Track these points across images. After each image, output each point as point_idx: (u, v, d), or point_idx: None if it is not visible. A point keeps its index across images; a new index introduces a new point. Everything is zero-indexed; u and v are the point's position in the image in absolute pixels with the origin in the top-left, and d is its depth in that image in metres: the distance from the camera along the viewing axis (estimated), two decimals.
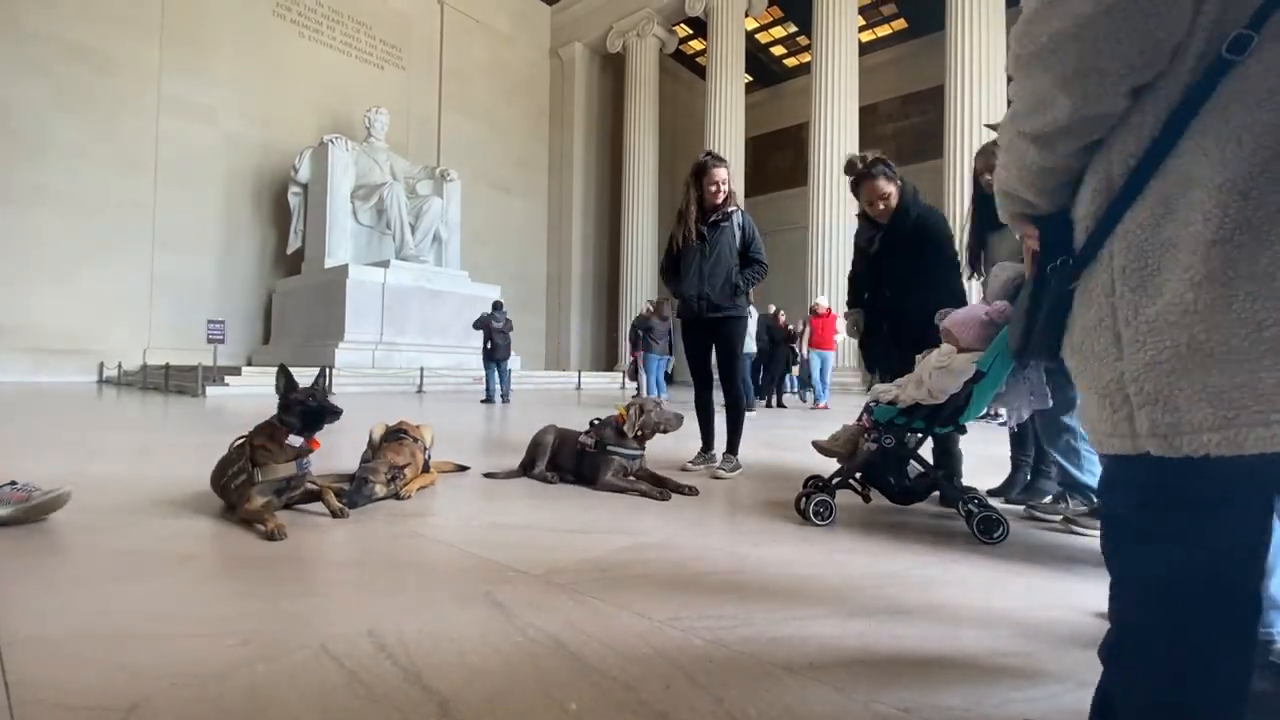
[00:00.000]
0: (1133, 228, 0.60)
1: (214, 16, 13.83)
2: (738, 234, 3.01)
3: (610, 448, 2.58)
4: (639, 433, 2.63)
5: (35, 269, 11.65)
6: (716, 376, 3.21)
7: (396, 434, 2.57)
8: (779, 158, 23.16)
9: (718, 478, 2.86)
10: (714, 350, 3.16)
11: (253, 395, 8.18)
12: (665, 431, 2.72)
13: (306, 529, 1.84)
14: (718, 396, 3.16)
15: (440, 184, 14.64)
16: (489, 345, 8.99)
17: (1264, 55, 0.53)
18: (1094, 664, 1.07)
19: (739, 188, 16.99)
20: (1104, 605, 1.34)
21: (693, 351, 3.19)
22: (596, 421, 2.70)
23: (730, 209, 3.04)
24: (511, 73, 19.98)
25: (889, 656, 1.09)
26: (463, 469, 2.87)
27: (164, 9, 13.16)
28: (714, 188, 2.99)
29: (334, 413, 2.07)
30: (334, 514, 1.95)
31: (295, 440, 1.99)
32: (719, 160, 3.04)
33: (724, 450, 3.05)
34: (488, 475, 2.78)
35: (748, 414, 7.36)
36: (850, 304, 2.88)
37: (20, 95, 11.46)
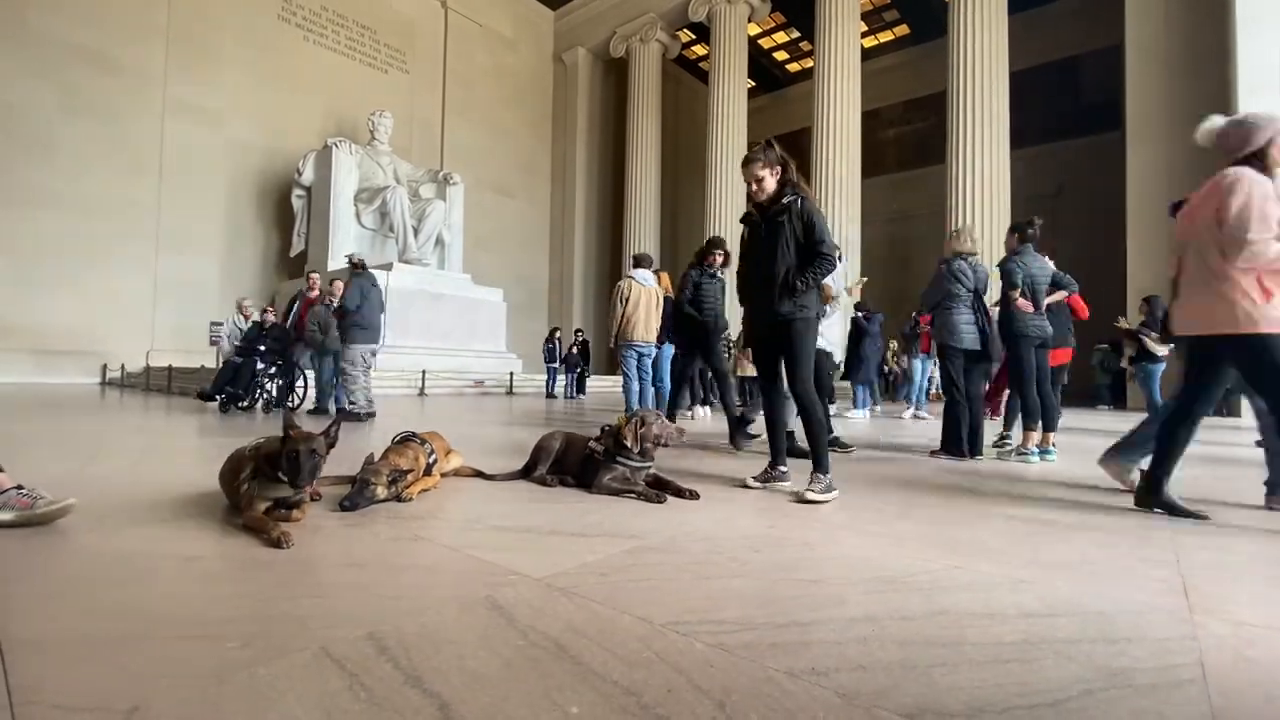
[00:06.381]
0: None
1: (219, 20, 13.92)
2: (797, 225, 2.69)
3: (619, 457, 2.56)
4: (641, 445, 2.57)
5: (40, 270, 11.71)
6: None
7: (403, 438, 2.57)
8: None
9: (805, 501, 2.50)
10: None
11: None
12: (665, 445, 2.63)
13: (307, 531, 1.83)
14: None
15: (443, 187, 14.70)
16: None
17: None
18: (1097, 672, 1.06)
19: (737, 195, 17.01)
20: (1104, 609, 1.34)
21: (759, 360, 2.97)
22: (607, 428, 2.69)
23: (786, 199, 2.72)
24: (515, 77, 20.06)
25: (892, 661, 1.08)
26: (479, 474, 2.84)
27: (170, 13, 13.24)
28: (752, 185, 2.76)
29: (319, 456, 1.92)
30: (274, 540, 1.68)
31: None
32: (753, 154, 2.76)
33: (812, 470, 2.66)
34: (489, 477, 2.78)
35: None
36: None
37: (26, 98, 11.53)
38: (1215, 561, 1.81)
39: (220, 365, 7.36)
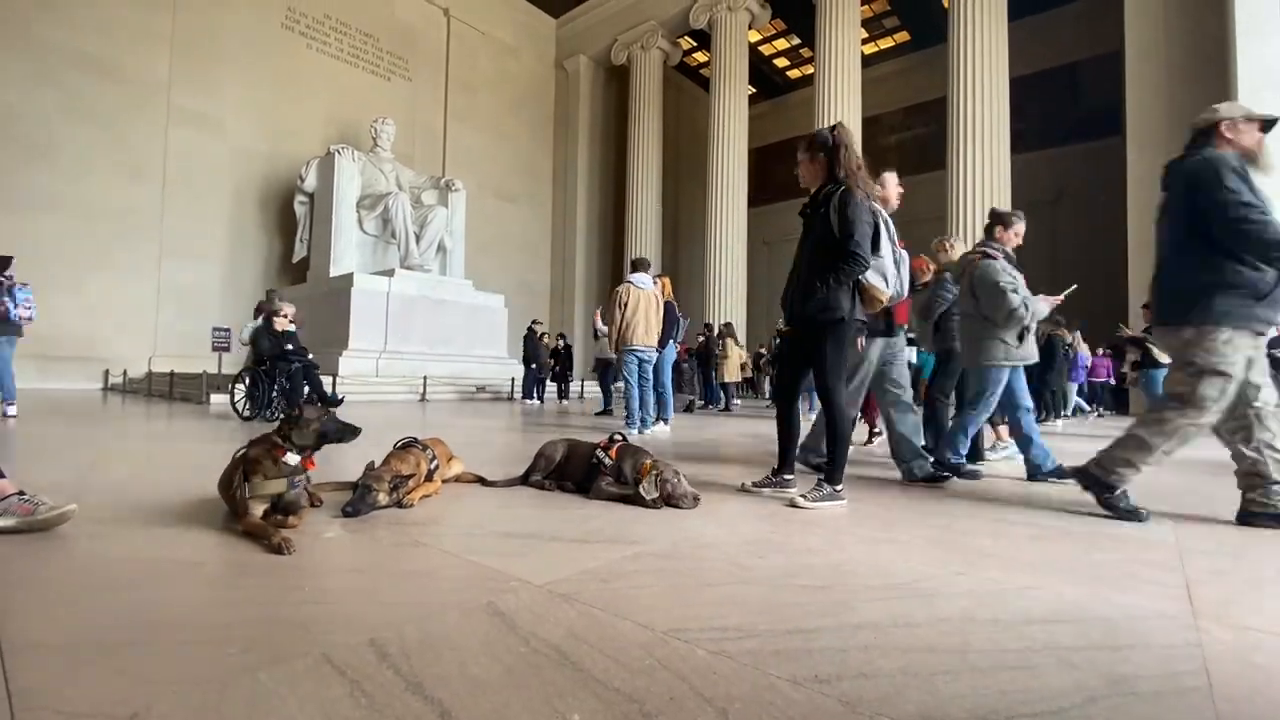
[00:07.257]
0: None
1: (224, 28, 14.02)
2: (834, 218, 2.48)
3: (624, 477, 2.52)
4: (655, 491, 2.40)
5: (43, 276, 11.70)
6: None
7: (405, 443, 2.57)
8: (783, 169, 23.29)
9: (795, 505, 2.46)
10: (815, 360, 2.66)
11: None
12: (677, 507, 2.38)
13: (308, 537, 1.83)
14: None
15: (445, 194, 14.74)
16: None
17: None
18: (1101, 679, 1.06)
19: (739, 200, 17.04)
20: (1108, 615, 1.33)
21: (783, 359, 2.87)
22: (619, 437, 2.67)
23: (827, 188, 2.55)
24: (517, 84, 20.17)
25: (894, 669, 1.08)
26: (480, 480, 2.84)
27: (175, 20, 13.33)
28: (797, 173, 2.63)
29: (353, 432, 2.07)
30: (275, 546, 1.68)
31: (291, 459, 1.94)
32: (804, 138, 2.61)
33: (820, 478, 2.60)
34: (490, 484, 2.78)
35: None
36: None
37: (29, 103, 11.60)
38: (1220, 566, 1.80)
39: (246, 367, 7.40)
